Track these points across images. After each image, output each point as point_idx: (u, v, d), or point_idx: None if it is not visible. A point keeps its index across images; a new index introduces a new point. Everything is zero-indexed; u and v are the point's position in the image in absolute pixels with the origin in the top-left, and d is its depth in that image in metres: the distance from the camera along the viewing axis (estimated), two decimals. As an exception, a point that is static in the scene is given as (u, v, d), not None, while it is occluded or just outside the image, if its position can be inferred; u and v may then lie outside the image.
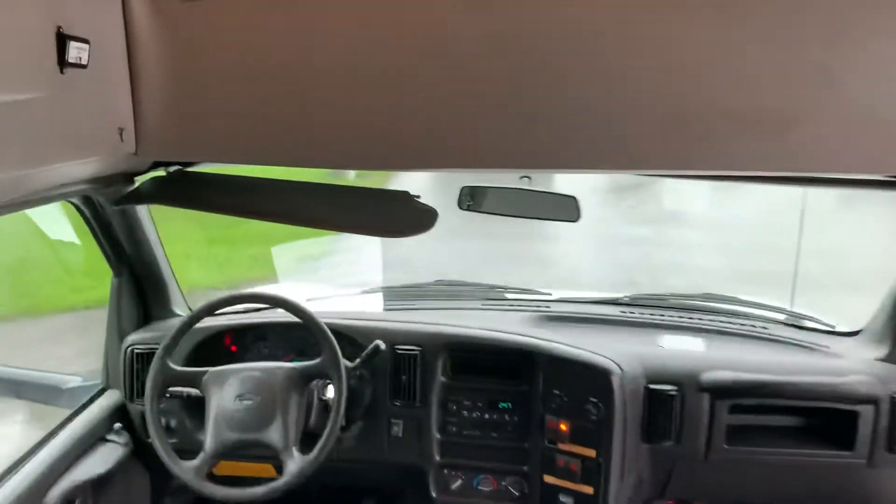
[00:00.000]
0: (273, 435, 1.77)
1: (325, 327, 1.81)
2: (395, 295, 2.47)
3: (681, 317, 2.28)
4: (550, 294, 2.47)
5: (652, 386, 1.88)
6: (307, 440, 1.83)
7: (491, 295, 2.46)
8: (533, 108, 1.18)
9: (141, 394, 2.00)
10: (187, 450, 1.96)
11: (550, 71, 1.16)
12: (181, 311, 2.22)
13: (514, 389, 1.97)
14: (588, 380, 1.86)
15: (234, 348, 2.16)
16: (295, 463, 1.74)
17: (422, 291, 2.51)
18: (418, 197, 1.50)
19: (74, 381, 2.34)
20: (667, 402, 1.87)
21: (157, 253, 2.08)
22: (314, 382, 1.89)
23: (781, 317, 2.33)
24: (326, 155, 1.30)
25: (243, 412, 1.78)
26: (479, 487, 1.99)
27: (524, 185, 1.91)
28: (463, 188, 1.91)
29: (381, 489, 2.30)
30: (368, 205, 1.55)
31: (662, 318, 2.27)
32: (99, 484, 1.90)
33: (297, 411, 1.81)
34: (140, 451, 2.06)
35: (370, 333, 2.00)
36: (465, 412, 1.98)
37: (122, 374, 2.05)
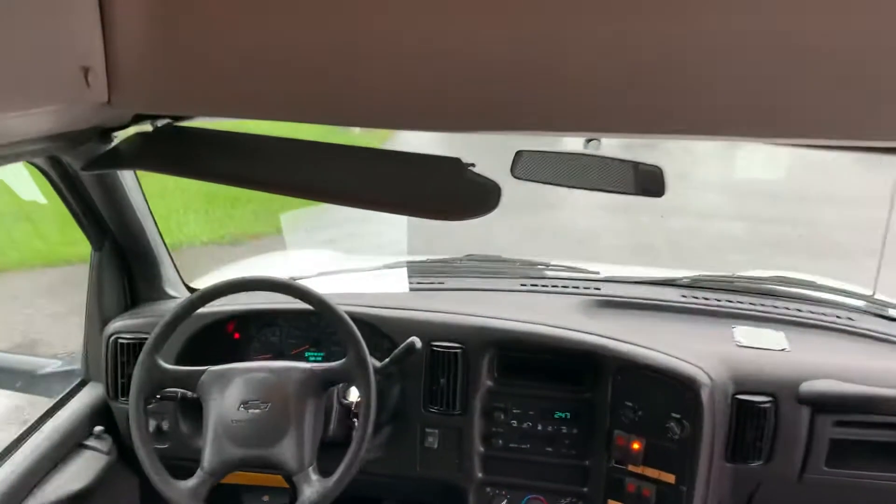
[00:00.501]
0: (285, 452, 1.45)
1: (351, 322, 1.48)
2: (421, 270, 2.14)
3: (752, 303, 1.95)
4: (598, 273, 2.14)
5: (741, 396, 1.56)
6: (326, 451, 1.52)
7: (530, 273, 2.12)
8: (603, 57, 0.84)
9: (126, 392, 1.67)
10: (182, 458, 1.66)
11: (627, 15, 0.82)
12: (175, 291, 1.88)
13: (576, 397, 1.64)
14: (670, 391, 1.53)
15: (237, 335, 1.83)
16: (312, 489, 1.43)
17: (451, 267, 2.18)
18: (473, 166, 1.14)
19: (52, 366, 2.02)
20: (758, 416, 1.55)
21: (144, 222, 1.73)
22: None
23: (861, 304, 2.01)
24: (354, 110, 0.94)
25: (249, 423, 1.45)
26: None
27: (592, 150, 1.56)
28: (518, 153, 1.56)
29: None
30: (410, 176, 1.18)
31: (731, 304, 1.93)
32: (77, 501, 1.59)
33: (314, 422, 1.49)
34: (126, 457, 1.75)
35: (402, 325, 1.67)
36: (513, 422, 1.66)
37: (105, 368, 1.73)
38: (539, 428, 1.65)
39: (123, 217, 1.67)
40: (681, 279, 2.07)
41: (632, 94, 0.86)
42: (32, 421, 1.64)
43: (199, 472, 1.46)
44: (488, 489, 1.68)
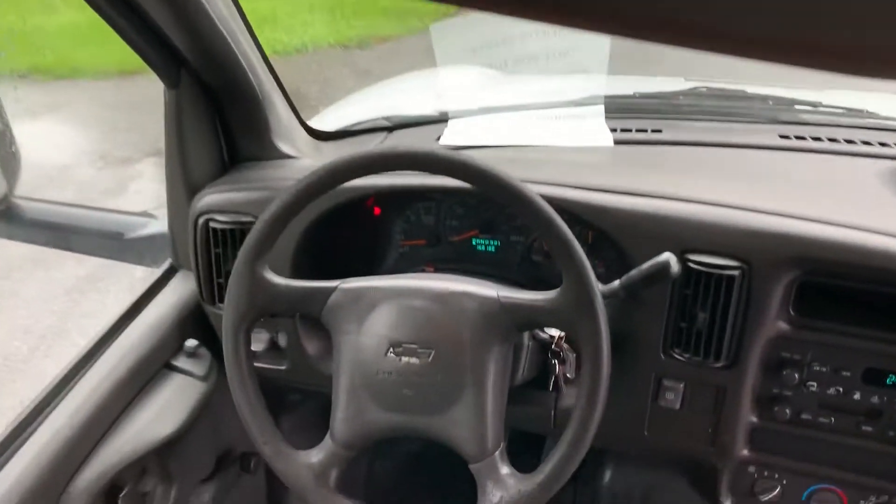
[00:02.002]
0: (457, 427, 0.92)
1: (572, 237, 0.86)
2: (624, 109, 1.43)
3: None
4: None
5: None
6: (515, 398, 0.98)
7: (786, 117, 1.39)
8: None
9: (223, 294, 1.16)
10: (309, 383, 1.19)
11: None
12: (289, 146, 1.28)
13: None
14: None
15: (377, 211, 1.27)
16: (503, 492, 0.90)
17: (669, 106, 1.46)
18: None
19: (144, 228, 1.55)
20: None
21: (237, 46, 1.11)
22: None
23: None
24: None
25: (401, 378, 0.92)
26: None
27: None
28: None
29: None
30: None
31: None
32: (166, 450, 1.15)
33: (501, 379, 0.94)
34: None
35: (631, 221, 1.04)
36: (812, 384, 1.03)
37: (195, 259, 1.21)
38: (856, 396, 1.02)
39: (202, 40, 1.06)
40: None
41: None
42: (104, 329, 1.18)
43: (326, 442, 0.96)
44: (752, 469, 1.11)
